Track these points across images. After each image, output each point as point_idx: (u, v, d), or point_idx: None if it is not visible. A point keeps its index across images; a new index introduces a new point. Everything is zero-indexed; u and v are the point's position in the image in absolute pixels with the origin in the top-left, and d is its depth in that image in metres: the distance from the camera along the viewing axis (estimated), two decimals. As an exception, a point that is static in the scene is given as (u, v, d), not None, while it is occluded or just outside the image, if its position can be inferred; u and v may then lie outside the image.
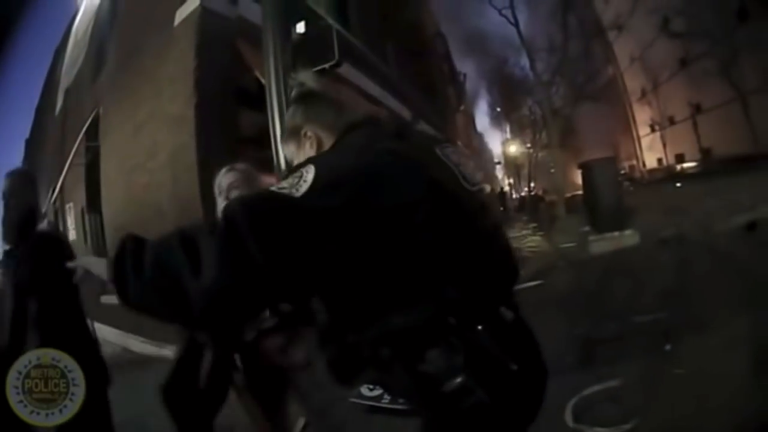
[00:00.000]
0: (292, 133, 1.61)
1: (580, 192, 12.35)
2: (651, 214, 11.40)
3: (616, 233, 9.25)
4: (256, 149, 6.18)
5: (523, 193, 31.03)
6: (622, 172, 26.67)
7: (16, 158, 12.62)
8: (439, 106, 23.28)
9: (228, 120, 7.95)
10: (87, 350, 2.82)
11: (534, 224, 16.49)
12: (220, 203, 2.67)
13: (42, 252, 2.83)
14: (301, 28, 5.20)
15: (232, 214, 1.18)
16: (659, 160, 30.83)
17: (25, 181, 3.13)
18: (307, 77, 1.68)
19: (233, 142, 7.75)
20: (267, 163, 4.75)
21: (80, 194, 11.27)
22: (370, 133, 1.47)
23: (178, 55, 8.13)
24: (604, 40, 25.64)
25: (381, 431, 3.44)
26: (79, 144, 11.14)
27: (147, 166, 8.43)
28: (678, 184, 19.91)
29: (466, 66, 25.79)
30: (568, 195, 19.94)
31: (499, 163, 35.34)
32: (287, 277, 1.18)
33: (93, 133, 10.88)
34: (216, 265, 1.14)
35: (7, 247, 2.97)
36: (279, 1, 5.08)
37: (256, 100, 5.69)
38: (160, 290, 1.21)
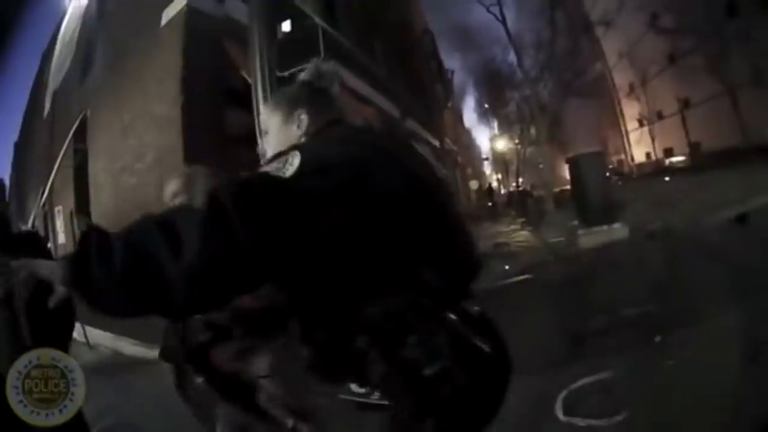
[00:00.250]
0: (286, 108, 1.62)
1: (569, 187, 12.39)
2: (640, 207, 11.46)
3: (605, 227, 9.25)
4: (244, 148, 6.17)
5: (511, 189, 31.17)
6: (611, 166, 26.84)
7: (5, 162, 12.64)
8: (427, 103, 23.31)
9: (215, 120, 7.94)
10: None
11: (522, 219, 16.53)
12: None
13: (17, 253, 2.79)
14: (287, 26, 5.21)
15: (215, 193, 1.12)
16: (648, 155, 31.03)
17: None
18: (330, 68, 1.73)
19: (220, 142, 7.74)
20: (255, 162, 4.75)
21: (69, 197, 11.23)
22: (350, 127, 1.54)
23: (165, 56, 8.13)
24: (593, 36, 25.76)
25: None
26: (68, 147, 11.12)
27: (135, 167, 8.42)
28: (667, 178, 20.00)
29: (453, 63, 25.80)
30: (557, 190, 20.04)
31: (487, 159, 35.49)
32: (272, 260, 1.13)
33: (81, 135, 10.86)
34: (199, 246, 1.07)
35: None
36: (266, -1, 5.07)
37: (243, 99, 5.69)
38: (134, 280, 1.08)
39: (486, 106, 30.34)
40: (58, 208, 11.51)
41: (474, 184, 36.27)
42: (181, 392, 2.65)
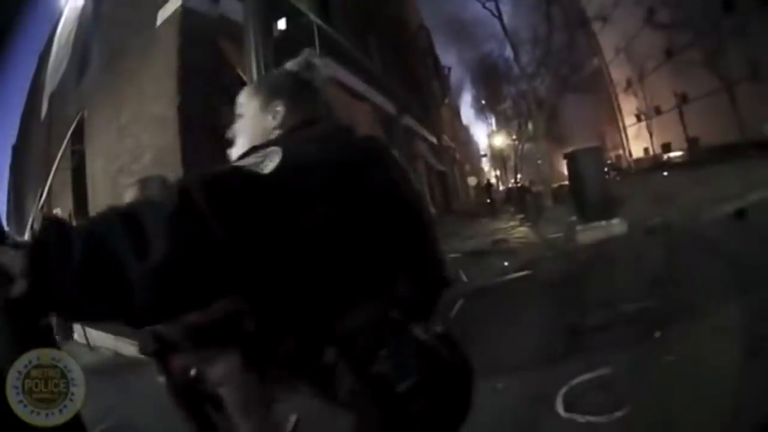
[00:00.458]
0: (265, 96, 1.54)
1: (567, 182, 12.40)
2: (638, 203, 11.46)
3: (604, 222, 9.25)
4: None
5: (509, 185, 31.22)
6: (609, 161, 26.87)
7: (3, 165, 12.64)
8: (424, 99, 23.32)
9: (212, 119, 7.93)
10: None
11: (521, 215, 16.55)
12: None
13: None
14: (282, 24, 5.18)
15: (186, 186, 1.03)
16: (645, 150, 31.06)
17: None
18: (320, 61, 1.62)
19: (217, 142, 7.73)
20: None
21: (68, 199, 11.21)
22: (332, 127, 1.47)
23: (161, 56, 8.11)
24: (589, 31, 25.77)
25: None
26: (65, 148, 11.08)
27: (132, 168, 8.38)
28: (665, 173, 20.01)
29: (450, 59, 25.83)
30: (555, 185, 20.05)
31: (485, 155, 35.54)
32: (247, 260, 1.05)
33: (78, 136, 10.83)
34: (167, 242, 0.97)
35: None
36: (261, -3, 5.05)
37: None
38: (91, 279, 0.96)
39: (483, 102, 30.37)
40: (56, 210, 11.48)
41: (472, 181, 36.30)
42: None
